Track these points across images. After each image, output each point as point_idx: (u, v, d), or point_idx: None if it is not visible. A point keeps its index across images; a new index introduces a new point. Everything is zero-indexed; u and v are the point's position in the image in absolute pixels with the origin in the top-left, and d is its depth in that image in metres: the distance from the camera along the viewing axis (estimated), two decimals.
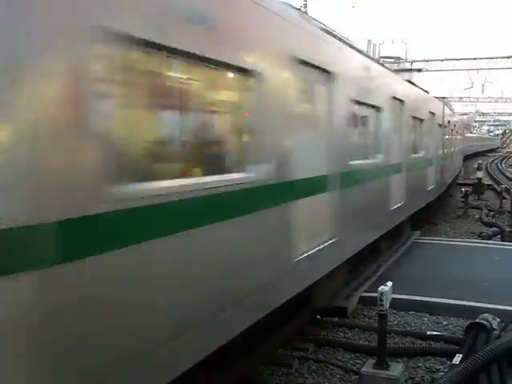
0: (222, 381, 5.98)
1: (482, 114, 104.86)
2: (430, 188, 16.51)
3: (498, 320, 7.07)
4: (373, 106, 9.93)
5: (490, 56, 30.78)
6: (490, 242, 15.73)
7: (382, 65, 12.85)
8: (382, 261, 11.83)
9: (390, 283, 6.51)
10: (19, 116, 3.03)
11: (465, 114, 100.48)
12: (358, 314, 8.82)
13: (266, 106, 5.59)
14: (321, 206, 7.19)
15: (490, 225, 19.33)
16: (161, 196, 4.00)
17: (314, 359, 7.18)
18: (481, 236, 17.08)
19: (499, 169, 49.96)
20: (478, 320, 6.98)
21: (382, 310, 6.31)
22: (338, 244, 7.60)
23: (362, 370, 6.43)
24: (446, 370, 6.63)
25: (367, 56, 11.92)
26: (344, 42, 9.03)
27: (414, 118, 13.92)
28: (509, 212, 21.68)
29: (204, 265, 4.54)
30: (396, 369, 6.35)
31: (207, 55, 4.56)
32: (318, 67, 7.03)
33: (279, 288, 6.02)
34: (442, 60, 31.92)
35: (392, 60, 34.32)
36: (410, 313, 8.77)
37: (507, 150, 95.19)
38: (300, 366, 7.04)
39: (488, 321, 6.91)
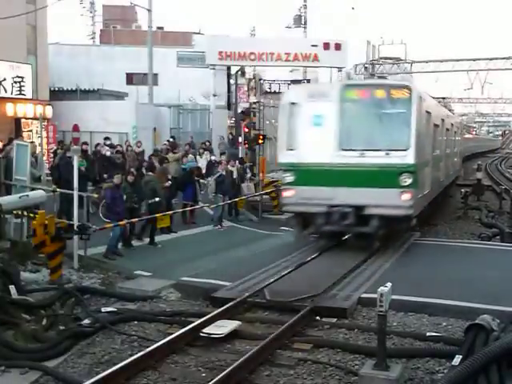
0: None
1: (482, 114, 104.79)
2: (458, 168, 29.51)
3: (498, 321, 7.06)
4: (448, 129, 19.97)
5: (490, 57, 30.75)
6: (489, 242, 15.74)
7: (450, 110, 28.20)
8: (382, 261, 11.84)
9: (389, 284, 6.50)
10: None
11: (464, 114, 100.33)
12: (357, 315, 8.82)
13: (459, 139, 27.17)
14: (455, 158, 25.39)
15: (490, 226, 19.35)
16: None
17: (312, 360, 7.18)
18: (480, 237, 17.09)
19: (499, 169, 50.00)
20: (477, 321, 6.97)
21: (381, 311, 6.30)
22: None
23: (362, 371, 6.42)
24: (445, 371, 6.63)
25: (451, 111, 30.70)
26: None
27: (455, 132, 24.34)
28: (508, 213, 21.68)
29: (444, 167, 19.74)
30: (395, 370, 6.34)
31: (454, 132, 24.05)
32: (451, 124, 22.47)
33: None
34: (441, 61, 31.89)
35: (391, 61, 34.33)
36: (410, 314, 8.77)
37: (507, 150, 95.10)
38: (299, 367, 7.04)
39: (487, 322, 6.90)
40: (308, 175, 12.61)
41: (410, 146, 12.17)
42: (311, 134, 12.70)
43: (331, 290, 9.63)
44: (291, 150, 12.96)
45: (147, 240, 14.08)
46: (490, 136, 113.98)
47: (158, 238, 14.45)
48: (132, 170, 14.80)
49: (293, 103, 13.07)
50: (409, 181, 12.10)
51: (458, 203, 26.19)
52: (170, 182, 15.90)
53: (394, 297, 6.68)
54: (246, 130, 21.99)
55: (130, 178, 13.73)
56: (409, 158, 12.16)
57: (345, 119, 12.66)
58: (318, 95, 13.11)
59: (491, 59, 30.63)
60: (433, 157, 15.67)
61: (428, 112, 14.39)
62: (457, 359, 6.30)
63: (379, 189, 12.01)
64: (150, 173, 15.00)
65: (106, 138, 20.61)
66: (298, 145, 12.89)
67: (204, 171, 20.21)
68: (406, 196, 12.06)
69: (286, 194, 13.07)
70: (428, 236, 17.38)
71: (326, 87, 14.39)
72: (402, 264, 11.70)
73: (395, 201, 11.98)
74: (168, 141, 23.58)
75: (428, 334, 7.89)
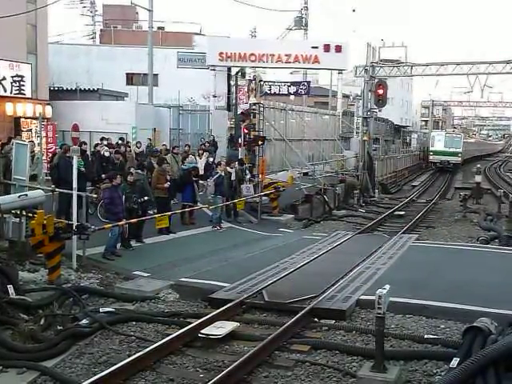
0: None
1: (482, 118, 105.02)
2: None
3: (496, 324, 7.06)
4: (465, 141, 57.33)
5: (490, 60, 30.71)
6: (487, 246, 15.74)
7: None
8: (380, 264, 11.85)
9: (387, 286, 6.51)
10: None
11: (464, 118, 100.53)
12: (355, 317, 8.83)
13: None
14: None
15: (488, 229, 19.35)
16: None
17: (311, 362, 7.18)
18: (479, 240, 17.09)
19: (498, 173, 50.33)
20: (475, 324, 6.97)
21: (379, 313, 6.31)
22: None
23: (360, 372, 6.43)
24: (443, 374, 6.63)
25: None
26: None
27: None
28: (507, 217, 21.68)
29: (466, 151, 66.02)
30: (393, 372, 6.35)
31: None
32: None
33: None
34: (441, 64, 31.87)
35: (391, 64, 34.33)
36: (408, 316, 8.78)
37: (506, 154, 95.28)
38: (297, 368, 7.04)
39: (485, 324, 6.90)
40: (436, 152, 53.81)
41: (461, 147, 53.65)
42: (437, 143, 53.93)
43: (329, 291, 9.64)
44: (433, 146, 54.42)
45: (146, 241, 14.08)
46: (489, 139, 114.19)
47: (157, 239, 14.45)
48: (132, 170, 14.75)
49: (433, 136, 56.30)
50: (460, 155, 53.43)
51: (456, 206, 26.22)
52: (168, 183, 15.88)
53: (393, 299, 6.69)
54: (246, 131, 21.94)
55: (130, 178, 13.71)
56: (461, 149, 53.53)
57: (446, 140, 53.74)
58: (440, 134, 57.06)
59: (491, 63, 30.61)
60: (465, 149, 56.74)
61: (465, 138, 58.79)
62: (454, 361, 6.30)
63: (453, 156, 52.78)
64: (139, 171, 14.91)
65: (103, 139, 20.48)
66: (434, 144, 54.27)
67: (202, 172, 20.19)
68: (460, 159, 53.48)
69: (431, 157, 55.19)
70: (426, 238, 17.43)
71: (441, 132, 61.45)
72: (400, 266, 11.72)
73: (458, 159, 53.18)
74: (117, 143, 22.65)
75: (426, 336, 7.89)
